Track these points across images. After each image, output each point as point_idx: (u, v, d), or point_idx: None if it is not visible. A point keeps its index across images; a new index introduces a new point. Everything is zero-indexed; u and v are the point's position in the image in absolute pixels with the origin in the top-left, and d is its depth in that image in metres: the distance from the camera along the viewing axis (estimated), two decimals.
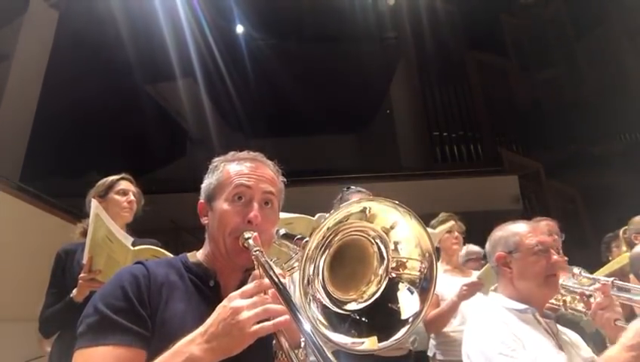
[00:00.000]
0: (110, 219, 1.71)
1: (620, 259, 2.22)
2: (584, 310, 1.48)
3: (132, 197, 2.04)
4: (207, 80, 9.24)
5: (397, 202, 0.83)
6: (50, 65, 6.78)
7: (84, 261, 1.69)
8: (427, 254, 0.86)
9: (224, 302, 0.73)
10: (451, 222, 2.70)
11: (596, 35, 10.44)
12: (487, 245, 1.57)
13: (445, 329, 2.53)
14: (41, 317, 1.85)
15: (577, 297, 1.53)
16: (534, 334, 1.35)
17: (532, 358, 1.25)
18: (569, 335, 1.48)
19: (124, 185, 2.06)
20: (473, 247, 3.11)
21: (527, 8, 11.40)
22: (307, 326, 0.64)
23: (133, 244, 1.68)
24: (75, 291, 1.73)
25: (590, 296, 1.44)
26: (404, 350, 2.21)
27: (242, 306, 0.71)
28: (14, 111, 6.02)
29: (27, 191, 4.82)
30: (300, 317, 0.66)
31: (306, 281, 0.78)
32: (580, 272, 1.40)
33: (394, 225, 0.86)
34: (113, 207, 1.99)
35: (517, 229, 1.50)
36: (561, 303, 1.60)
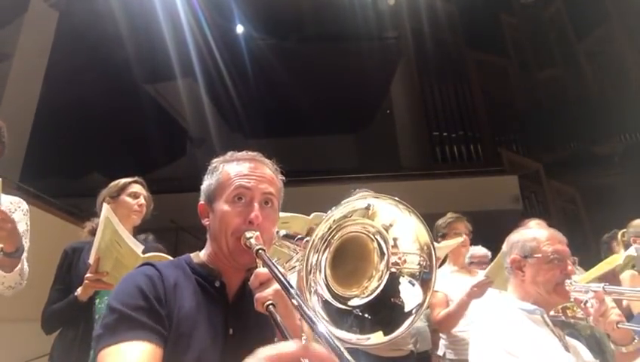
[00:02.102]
0: (120, 224, 1.71)
1: (611, 260, 2.22)
2: (584, 316, 1.50)
3: (142, 201, 2.05)
4: (207, 80, 9.25)
5: (398, 199, 0.84)
6: (50, 65, 6.79)
7: (91, 261, 1.70)
8: (425, 247, 0.87)
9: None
10: (461, 238, 2.67)
11: (596, 35, 10.44)
12: (505, 245, 1.58)
13: (454, 329, 2.53)
14: (44, 313, 1.86)
15: (574, 304, 1.55)
16: (544, 334, 1.37)
17: (543, 356, 1.26)
18: (571, 341, 1.49)
19: (136, 188, 2.07)
20: (477, 250, 3.09)
21: (527, 8, 11.40)
22: (322, 328, 0.60)
23: (143, 252, 1.68)
24: (79, 290, 1.74)
25: (586, 301, 1.45)
26: (406, 351, 2.20)
27: None
28: (14, 110, 6.02)
29: (27, 191, 4.81)
30: (313, 318, 0.63)
31: (308, 270, 0.79)
32: (571, 282, 1.42)
33: (393, 223, 0.88)
34: (123, 209, 2.00)
35: (536, 235, 1.51)
36: (560, 312, 1.61)
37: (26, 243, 1.70)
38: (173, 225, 6.87)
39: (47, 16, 6.97)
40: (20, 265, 1.60)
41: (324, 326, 0.61)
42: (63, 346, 1.83)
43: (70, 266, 1.89)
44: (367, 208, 0.86)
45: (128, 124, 8.28)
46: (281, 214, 1.52)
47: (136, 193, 2.05)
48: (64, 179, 7.61)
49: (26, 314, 2.69)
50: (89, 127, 7.61)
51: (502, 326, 1.38)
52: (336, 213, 0.80)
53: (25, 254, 1.68)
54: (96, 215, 2.01)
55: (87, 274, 1.70)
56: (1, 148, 1.74)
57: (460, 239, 2.58)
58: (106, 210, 1.66)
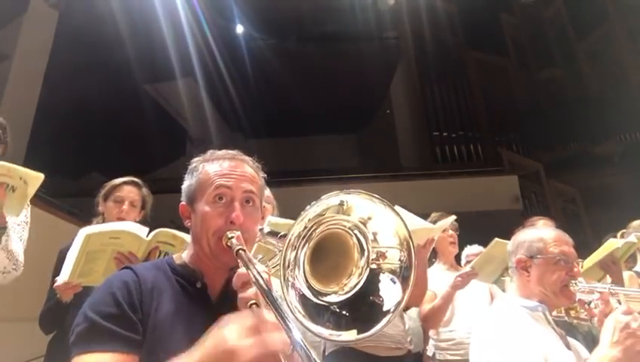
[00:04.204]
0: (105, 225, 1.70)
1: (608, 245, 2.21)
2: (587, 317, 1.50)
3: (125, 207, 1.97)
4: (207, 80, 9.25)
5: (372, 194, 0.84)
6: (50, 65, 6.79)
7: (64, 279, 1.61)
8: (405, 242, 0.86)
9: (218, 337, 0.65)
10: (453, 216, 2.65)
11: (596, 35, 10.44)
12: (510, 244, 1.57)
13: (443, 329, 2.54)
14: (40, 314, 1.86)
15: (578, 305, 1.55)
16: (544, 331, 1.37)
17: (543, 354, 1.27)
18: (570, 339, 1.49)
19: (124, 191, 2.00)
20: (473, 249, 3.10)
21: (527, 8, 11.41)
22: (297, 335, 0.63)
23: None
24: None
25: (589, 302, 1.45)
26: (404, 350, 2.20)
27: (240, 349, 0.62)
28: (14, 111, 6.02)
29: None
30: (288, 324, 0.64)
31: (286, 265, 0.79)
32: (575, 283, 1.42)
33: (371, 216, 0.87)
34: (109, 215, 1.97)
35: (542, 235, 1.50)
36: (564, 312, 1.61)
37: (24, 230, 1.71)
38: (172, 226, 6.85)
39: (47, 16, 6.97)
40: (4, 245, 1.57)
41: (297, 329, 0.63)
42: (57, 347, 1.82)
43: None
44: (341, 204, 0.85)
45: (128, 124, 8.28)
46: (281, 220, 1.53)
47: (122, 198, 1.98)
48: (64, 179, 7.60)
49: (26, 314, 2.69)
50: (89, 127, 7.61)
51: (503, 324, 1.38)
52: (310, 211, 0.80)
53: (22, 245, 1.68)
54: (92, 215, 2.01)
55: (63, 288, 1.63)
56: (4, 147, 1.74)
57: (453, 217, 2.54)
58: (78, 236, 1.59)
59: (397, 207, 1.86)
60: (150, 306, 0.87)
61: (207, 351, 0.65)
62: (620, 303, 1.40)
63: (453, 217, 2.39)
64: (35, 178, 1.56)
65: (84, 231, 1.57)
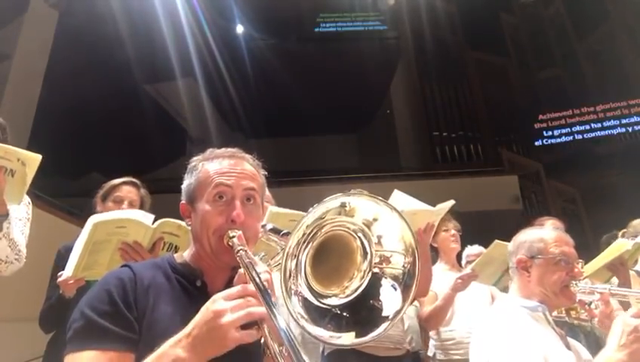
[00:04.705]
0: (115, 212, 1.70)
1: (617, 247, 2.19)
2: (588, 318, 1.50)
3: (125, 206, 1.95)
4: (207, 80, 9.25)
5: (375, 196, 0.83)
6: (50, 65, 6.79)
7: (64, 274, 1.61)
8: (410, 249, 0.85)
9: (207, 304, 0.72)
10: (451, 201, 2.59)
11: (596, 35, 10.44)
12: (511, 244, 1.57)
13: (444, 329, 2.54)
14: (40, 312, 1.86)
15: (578, 306, 1.55)
16: (544, 332, 1.37)
17: (543, 354, 1.26)
18: (570, 340, 1.49)
19: (123, 191, 1.99)
20: (473, 249, 3.09)
21: (527, 8, 11.41)
22: (282, 324, 0.66)
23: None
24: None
25: (590, 303, 1.45)
26: (402, 350, 2.20)
27: (225, 309, 0.69)
28: (14, 110, 6.02)
29: (27, 191, 4.80)
30: (277, 315, 0.67)
31: (287, 276, 0.79)
32: (576, 283, 1.41)
33: (376, 218, 0.86)
34: None
35: (543, 235, 1.50)
36: (564, 313, 1.61)
37: (26, 226, 1.71)
38: None
39: (47, 16, 6.97)
40: (6, 232, 1.55)
41: (285, 323, 0.66)
42: (56, 346, 1.82)
43: (64, 266, 1.88)
44: (343, 206, 0.84)
45: (128, 124, 8.27)
46: (275, 209, 1.53)
47: (121, 198, 1.97)
48: (64, 179, 7.60)
49: (26, 314, 2.70)
50: (89, 127, 7.60)
51: (503, 324, 1.38)
52: (309, 218, 0.79)
53: (24, 239, 1.67)
54: (91, 215, 2.01)
55: (68, 281, 1.62)
56: None
57: (452, 202, 2.49)
58: (86, 225, 1.58)
59: (396, 192, 1.85)
60: (145, 305, 0.86)
61: (193, 323, 0.72)
62: (619, 304, 1.40)
63: (452, 202, 2.37)
64: (33, 159, 1.53)
65: (92, 220, 1.56)
